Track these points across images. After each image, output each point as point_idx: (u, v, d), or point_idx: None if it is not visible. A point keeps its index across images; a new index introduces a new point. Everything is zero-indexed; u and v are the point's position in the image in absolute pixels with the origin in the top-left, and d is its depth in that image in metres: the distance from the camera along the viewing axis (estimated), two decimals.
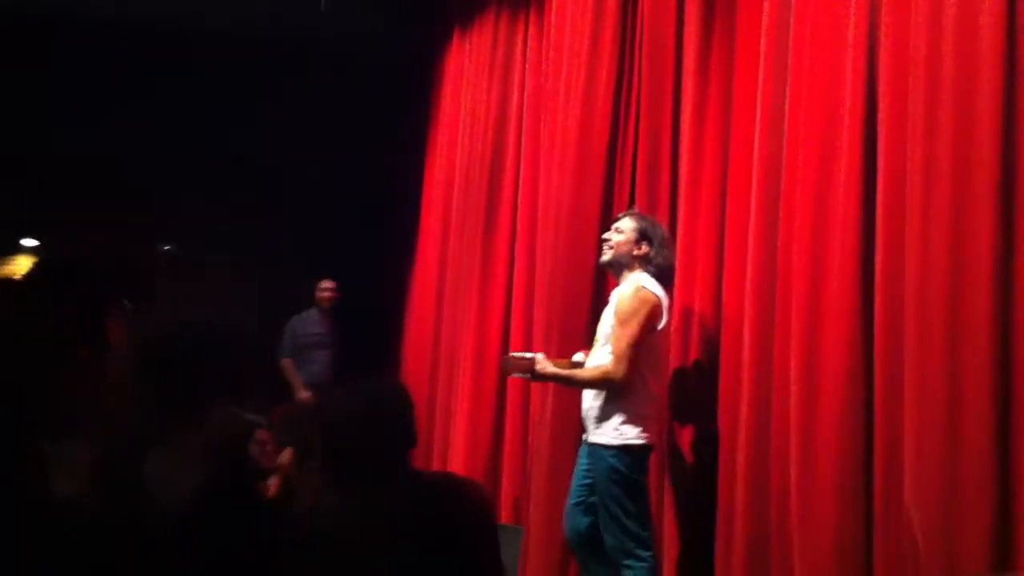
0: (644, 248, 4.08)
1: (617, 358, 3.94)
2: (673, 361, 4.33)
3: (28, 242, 8.27)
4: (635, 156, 4.75)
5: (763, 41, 3.99)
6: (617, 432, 3.95)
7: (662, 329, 4.01)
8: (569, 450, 4.51)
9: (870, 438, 3.42)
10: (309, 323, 7.53)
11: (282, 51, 8.19)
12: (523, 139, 5.69)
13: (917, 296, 3.24)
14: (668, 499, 4.31)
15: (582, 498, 4.07)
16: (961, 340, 3.11)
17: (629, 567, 3.90)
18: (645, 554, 3.91)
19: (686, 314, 4.35)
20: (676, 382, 4.34)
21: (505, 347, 5.43)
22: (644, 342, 3.95)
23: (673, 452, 4.34)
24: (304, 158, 8.18)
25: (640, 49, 4.75)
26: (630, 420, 3.94)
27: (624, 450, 3.94)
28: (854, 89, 3.55)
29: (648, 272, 4.06)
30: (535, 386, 4.71)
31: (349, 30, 8.00)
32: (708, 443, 4.11)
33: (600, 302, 4.23)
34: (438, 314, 6.43)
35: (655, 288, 4.01)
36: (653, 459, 4.17)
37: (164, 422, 2.32)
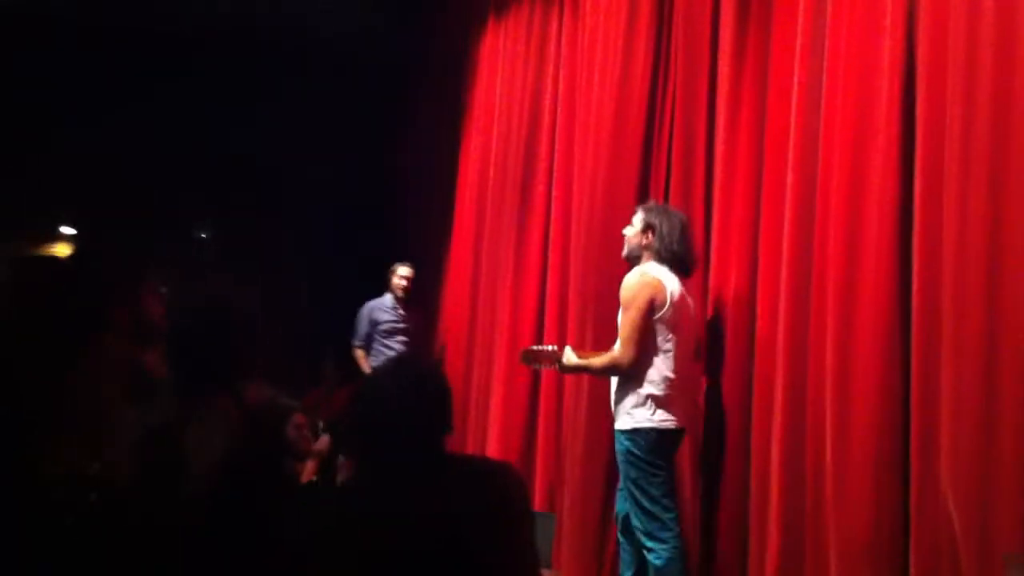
0: (649, 237, 4.14)
1: (623, 343, 4.00)
2: (708, 347, 4.36)
3: (66, 230, 8.25)
4: (670, 144, 4.76)
5: (799, 26, 4.00)
6: (629, 416, 4.00)
7: (669, 312, 4.01)
8: (602, 437, 4.52)
9: (906, 419, 3.44)
10: (383, 310, 7.09)
11: (282, 51, 8.20)
12: (558, 127, 5.68)
13: (954, 277, 3.26)
14: (701, 482, 4.33)
15: (622, 484, 4.11)
16: (998, 321, 3.13)
17: (651, 550, 3.93)
18: (667, 535, 3.93)
19: (720, 300, 4.37)
20: (711, 367, 4.36)
21: (539, 337, 5.44)
22: (648, 326, 3.99)
23: (707, 436, 4.36)
24: (304, 158, 8.18)
25: (675, 36, 4.76)
26: (640, 403, 3.98)
27: (636, 433, 3.98)
28: (891, 75, 3.56)
29: (655, 260, 4.12)
30: (569, 375, 4.75)
31: (349, 30, 8.01)
32: (742, 427, 4.14)
33: None
34: (473, 302, 6.40)
35: (658, 273, 4.07)
36: (686, 442, 4.20)
37: (195, 399, 2.35)
